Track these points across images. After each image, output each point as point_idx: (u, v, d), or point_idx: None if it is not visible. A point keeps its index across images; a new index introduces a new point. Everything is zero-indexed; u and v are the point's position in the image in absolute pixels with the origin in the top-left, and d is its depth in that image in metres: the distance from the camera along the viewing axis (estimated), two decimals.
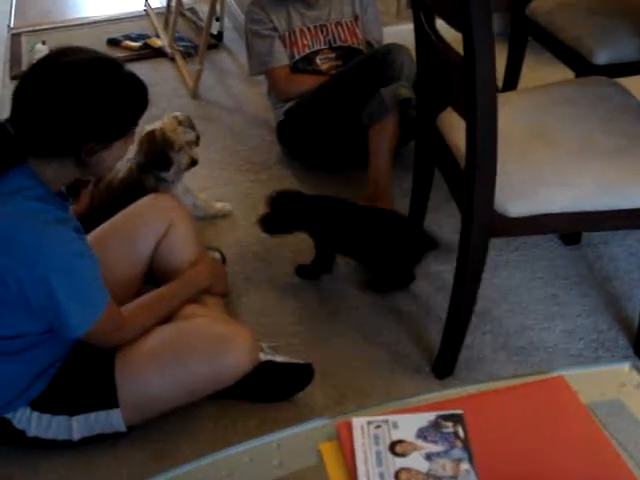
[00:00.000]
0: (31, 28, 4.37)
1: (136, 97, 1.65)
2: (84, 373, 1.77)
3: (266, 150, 3.08)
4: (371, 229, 2.23)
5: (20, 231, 1.55)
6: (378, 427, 1.10)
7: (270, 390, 1.94)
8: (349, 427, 1.10)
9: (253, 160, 3.03)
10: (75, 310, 1.62)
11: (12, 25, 4.46)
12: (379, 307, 2.25)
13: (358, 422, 1.11)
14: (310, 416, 1.89)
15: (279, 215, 2.27)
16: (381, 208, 2.35)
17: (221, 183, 2.90)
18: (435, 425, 1.10)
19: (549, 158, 1.75)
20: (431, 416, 1.12)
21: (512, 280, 2.33)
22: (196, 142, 2.47)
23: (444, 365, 2.00)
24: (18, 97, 1.58)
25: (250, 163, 3.01)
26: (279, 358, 1.95)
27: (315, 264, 2.35)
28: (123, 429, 1.78)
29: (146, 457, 1.82)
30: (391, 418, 1.12)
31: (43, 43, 3.94)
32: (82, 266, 1.63)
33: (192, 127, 2.47)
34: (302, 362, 1.96)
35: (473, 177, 1.64)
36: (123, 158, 1.78)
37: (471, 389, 1.21)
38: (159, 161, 2.39)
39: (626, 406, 1.18)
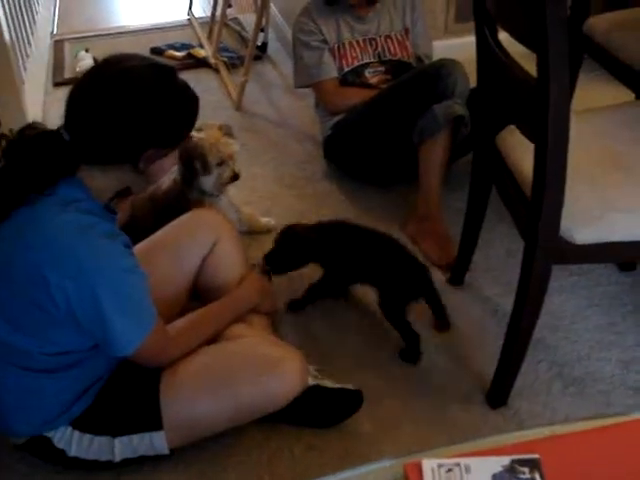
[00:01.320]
0: (74, 35, 4.37)
1: (192, 103, 1.63)
2: (128, 393, 1.72)
3: (311, 164, 3.02)
4: (383, 255, 2.13)
5: (72, 245, 1.51)
6: (449, 471, 1.03)
7: (317, 415, 1.88)
8: (419, 469, 1.04)
9: (298, 174, 2.97)
10: (124, 327, 1.57)
11: (55, 32, 4.47)
12: (431, 333, 2.17)
13: (428, 464, 1.04)
14: (358, 445, 1.84)
15: (284, 251, 2.19)
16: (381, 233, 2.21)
17: (265, 197, 2.84)
18: (510, 470, 1.03)
19: (619, 183, 1.68)
20: (505, 460, 1.04)
21: (567, 306, 2.25)
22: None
23: (498, 394, 1.92)
24: (74, 103, 1.55)
25: (295, 177, 2.96)
26: (328, 383, 1.89)
27: (309, 295, 2.27)
28: (166, 452, 1.73)
29: None
30: (463, 461, 1.04)
31: (87, 51, 3.93)
32: (131, 282, 1.58)
33: (232, 136, 2.42)
34: (352, 388, 1.89)
35: (540, 201, 1.57)
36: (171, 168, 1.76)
37: (546, 431, 1.13)
38: (199, 166, 2.33)
39: None
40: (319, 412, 1.88)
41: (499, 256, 2.43)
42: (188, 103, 1.62)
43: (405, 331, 2.09)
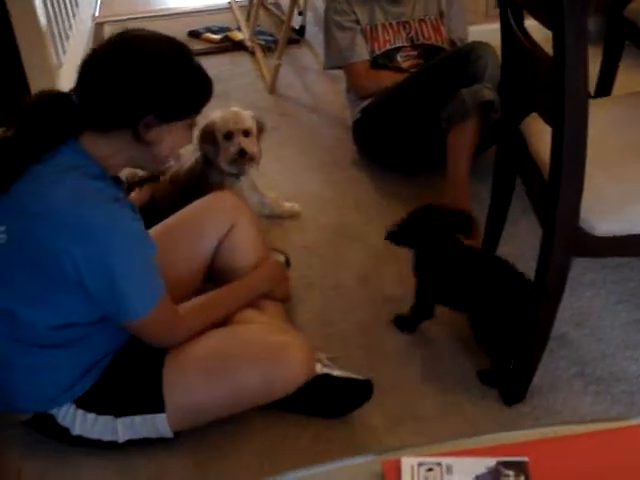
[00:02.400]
0: (115, 18, 4.36)
1: (199, 83, 1.61)
2: (132, 374, 1.70)
3: (341, 150, 2.97)
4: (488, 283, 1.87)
5: (79, 210, 1.50)
6: (430, 470, 0.97)
7: (325, 405, 1.83)
8: (397, 467, 0.98)
9: (326, 160, 2.92)
10: (132, 293, 1.56)
11: (97, 14, 4.47)
12: (450, 324, 2.11)
13: (408, 462, 0.98)
14: (366, 437, 1.79)
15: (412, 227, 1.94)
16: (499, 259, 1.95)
17: (292, 182, 2.80)
18: (495, 472, 0.97)
19: None
20: (491, 462, 0.98)
21: (595, 302, 2.15)
22: (258, 134, 2.37)
23: (514, 391, 1.85)
24: (85, 65, 1.56)
25: (323, 163, 2.90)
26: (337, 372, 1.84)
27: (414, 313, 2.07)
28: (169, 435, 1.71)
29: (190, 465, 1.74)
30: (445, 461, 0.98)
31: None
32: (141, 248, 1.58)
33: (257, 122, 2.37)
34: (361, 378, 1.84)
35: (557, 189, 1.49)
36: (184, 147, 1.72)
37: (541, 432, 1.06)
38: (208, 145, 2.32)
39: None
40: (327, 401, 1.83)
41: (525, 248, 2.33)
42: (197, 82, 1.61)
43: (496, 356, 1.89)
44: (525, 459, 0.98)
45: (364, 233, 2.48)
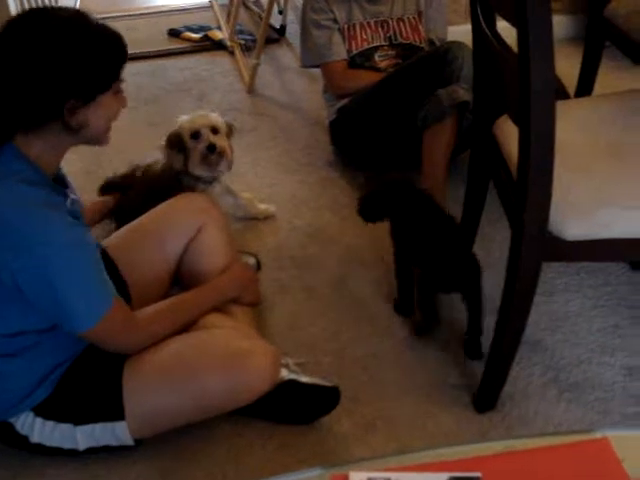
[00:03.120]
0: (95, 16, 4.29)
1: (109, 47, 1.51)
2: (91, 381, 1.65)
3: (318, 151, 2.92)
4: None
5: (8, 217, 1.43)
6: None
7: (292, 412, 1.79)
8: None
9: (303, 161, 2.87)
10: (76, 302, 1.50)
11: None
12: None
13: (356, 477, 0.94)
14: (333, 445, 1.74)
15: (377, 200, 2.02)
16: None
17: (267, 183, 2.75)
18: None
19: (616, 175, 1.55)
20: (443, 477, 0.93)
21: (570, 307, 2.11)
22: (228, 135, 2.32)
23: (486, 398, 1.81)
24: None
25: (300, 164, 2.86)
26: (304, 378, 1.80)
27: (400, 291, 2.11)
28: (130, 443, 1.66)
29: (152, 474, 1.69)
30: (395, 476, 0.94)
31: None
32: (78, 255, 1.50)
33: (226, 123, 2.33)
34: (329, 384, 1.79)
35: (525, 191, 1.45)
36: (114, 119, 1.61)
37: (498, 445, 1.01)
38: (175, 151, 2.26)
39: None
40: (294, 408, 1.79)
41: (501, 251, 2.29)
42: (105, 48, 1.50)
43: (426, 313, 2.00)
44: (478, 474, 0.93)
45: (338, 235, 2.44)
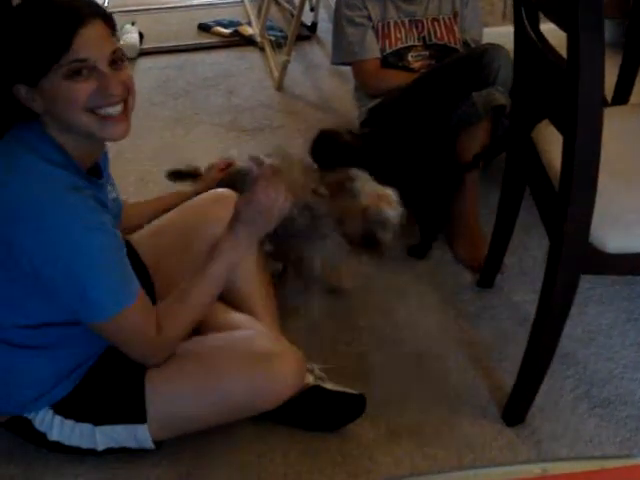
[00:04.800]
0: (125, 8, 4.29)
1: (39, 24, 1.36)
2: (113, 381, 1.61)
3: None
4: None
5: (27, 197, 1.36)
6: None
7: (316, 419, 1.75)
8: None
9: None
10: (96, 287, 1.41)
11: (107, 4, 4.40)
12: (451, 336, 2.03)
13: None
14: (356, 454, 1.70)
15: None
16: None
17: None
18: None
19: None
20: None
21: (603, 319, 2.06)
22: None
23: (515, 410, 1.76)
24: None
25: None
26: (330, 385, 1.76)
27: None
28: (150, 446, 1.63)
29: (172, 477, 1.66)
30: None
31: (132, 24, 3.85)
32: (99, 241, 1.40)
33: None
34: (355, 392, 1.75)
35: (567, 201, 1.40)
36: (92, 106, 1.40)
37: (535, 468, 0.97)
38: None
39: None
40: (318, 415, 1.75)
41: (535, 260, 2.25)
42: (33, 21, 1.36)
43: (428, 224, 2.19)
44: None
45: None
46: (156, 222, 1.94)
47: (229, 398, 1.60)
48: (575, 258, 1.47)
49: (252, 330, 1.74)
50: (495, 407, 1.80)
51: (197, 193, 2.02)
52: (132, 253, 1.78)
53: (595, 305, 2.10)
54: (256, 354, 1.63)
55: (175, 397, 1.60)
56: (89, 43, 1.36)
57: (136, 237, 1.89)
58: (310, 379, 1.74)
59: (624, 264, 1.48)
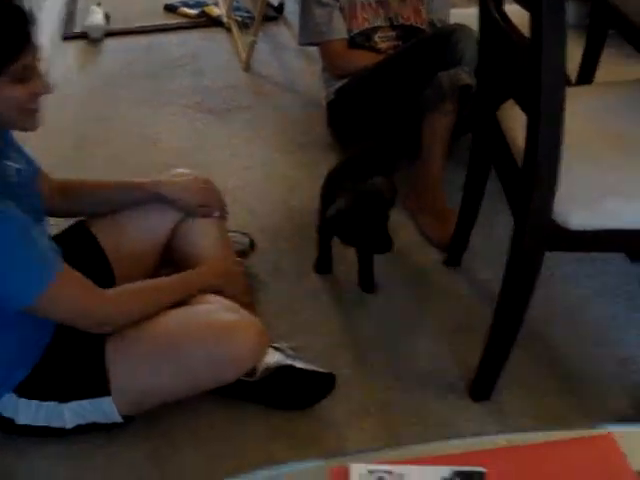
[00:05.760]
0: None
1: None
2: (72, 357, 1.62)
3: (314, 132, 2.87)
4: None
5: None
6: (380, 479, 0.90)
7: (287, 397, 1.77)
8: (345, 475, 0.91)
9: (299, 141, 2.83)
10: (10, 275, 1.43)
11: None
12: (418, 314, 2.05)
13: (356, 470, 0.91)
14: (326, 432, 1.72)
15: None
16: None
17: (263, 163, 2.71)
18: None
19: (623, 165, 1.52)
20: (446, 471, 0.91)
21: (567, 297, 2.09)
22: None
23: (482, 387, 1.79)
24: None
25: (295, 144, 2.82)
26: (300, 364, 1.77)
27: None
28: (118, 419, 1.63)
29: (143, 457, 1.67)
30: (397, 469, 0.91)
31: (98, 4, 3.79)
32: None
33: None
34: (325, 371, 1.77)
35: (531, 179, 1.42)
36: (27, 106, 1.47)
37: (503, 439, 0.99)
38: None
39: None
40: (289, 394, 1.76)
41: (501, 239, 2.25)
42: None
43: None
44: (482, 470, 0.91)
45: None
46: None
47: (191, 369, 1.61)
48: (539, 235, 1.50)
49: (215, 304, 1.72)
50: (461, 384, 1.83)
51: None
52: (90, 238, 1.82)
53: (561, 283, 2.13)
54: (216, 325, 1.63)
55: (136, 369, 1.60)
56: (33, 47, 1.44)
57: (97, 222, 1.87)
58: (280, 358, 1.75)
59: (587, 241, 1.51)
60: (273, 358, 1.75)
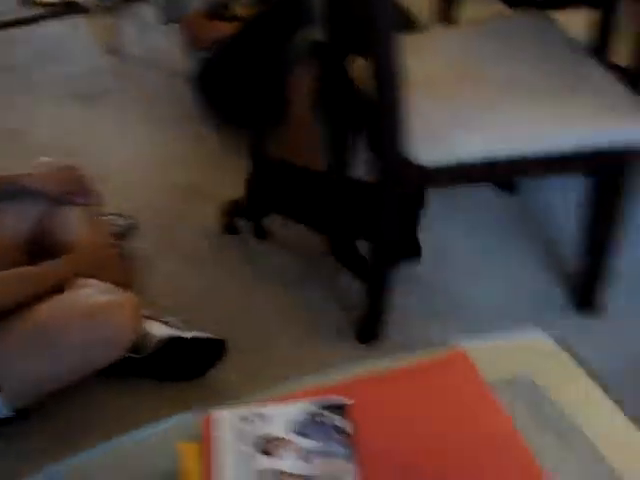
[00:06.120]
0: None
1: None
2: None
3: (184, 107, 2.83)
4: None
5: None
6: (246, 421, 0.94)
7: (180, 368, 1.79)
8: (214, 422, 0.94)
9: (169, 117, 2.82)
10: None
11: None
12: (301, 267, 2.10)
13: (222, 416, 0.95)
14: (223, 396, 1.74)
15: None
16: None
17: (136, 142, 2.70)
18: (315, 417, 0.94)
19: (471, 99, 1.60)
20: (311, 406, 0.95)
21: (441, 233, 2.17)
22: None
23: (368, 329, 1.85)
24: None
25: (166, 120, 2.80)
26: (189, 334, 1.79)
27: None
28: (9, 412, 1.61)
29: (46, 446, 1.66)
30: (263, 410, 0.95)
31: None
32: None
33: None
34: (214, 337, 1.80)
35: (379, 121, 1.47)
36: None
37: (360, 370, 1.04)
38: None
39: (537, 384, 1.03)
40: (182, 364, 1.79)
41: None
42: None
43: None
44: (345, 401, 0.96)
45: (217, 189, 2.39)
46: None
47: (69, 354, 1.60)
48: (393, 174, 1.55)
49: (93, 287, 1.70)
50: (350, 330, 1.90)
51: None
52: None
53: (437, 222, 2.20)
54: (89, 307, 1.62)
55: (16, 358, 1.59)
56: None
57: None
58: (168, 331, 1.77)
59: (441, 176, 1.57)
60: (161, 331, 1.76)
